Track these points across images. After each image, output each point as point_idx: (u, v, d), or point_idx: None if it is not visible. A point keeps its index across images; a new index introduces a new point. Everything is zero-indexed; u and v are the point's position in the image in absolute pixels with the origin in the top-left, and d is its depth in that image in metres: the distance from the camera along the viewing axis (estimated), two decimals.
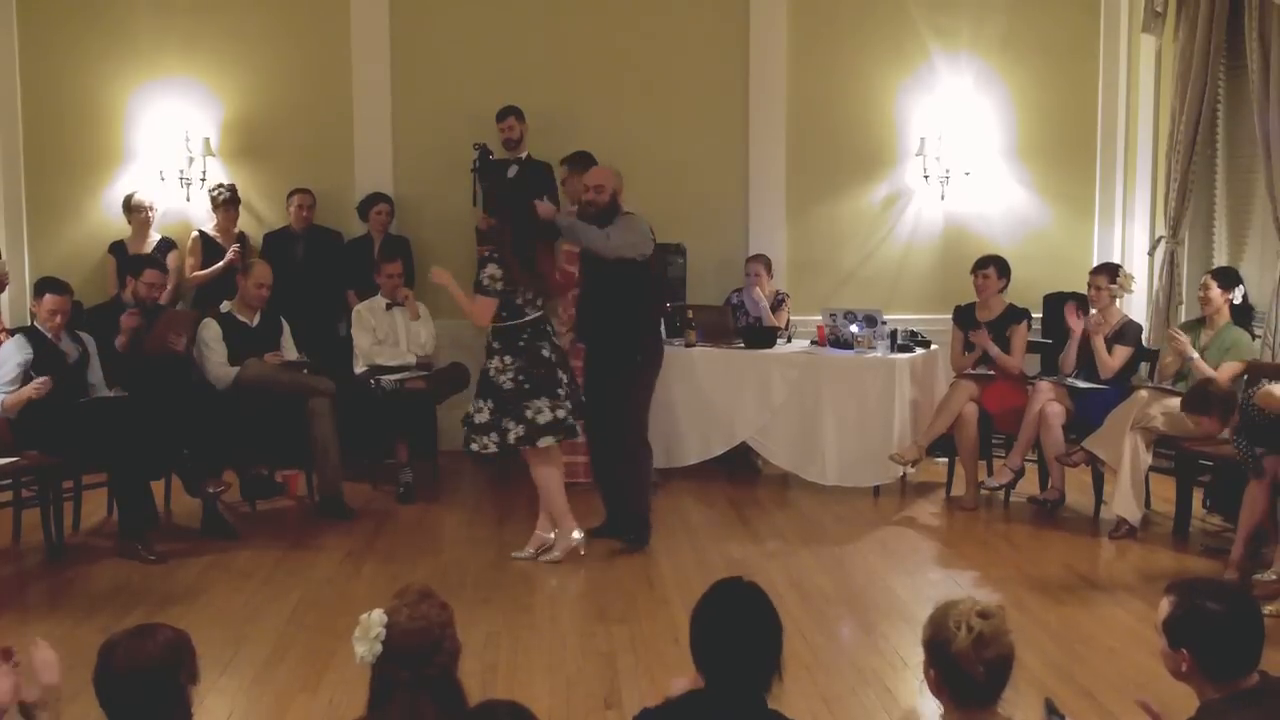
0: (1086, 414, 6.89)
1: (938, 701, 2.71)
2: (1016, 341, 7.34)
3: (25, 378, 6.21)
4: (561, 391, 6.07)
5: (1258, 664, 2.83)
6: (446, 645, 2.66)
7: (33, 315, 6.51)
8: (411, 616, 2.63)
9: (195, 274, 8.32)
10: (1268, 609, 5.21)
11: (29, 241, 8.65)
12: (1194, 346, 6.67)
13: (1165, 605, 2.89)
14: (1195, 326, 6.87)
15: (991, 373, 7.35)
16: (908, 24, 8.97)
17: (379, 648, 2.59)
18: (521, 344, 6.03)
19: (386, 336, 7.72)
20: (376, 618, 2.61)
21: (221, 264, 8.24)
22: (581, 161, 7.49)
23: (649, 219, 6.59)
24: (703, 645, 2.75)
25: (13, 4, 8.54)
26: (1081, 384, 7.02)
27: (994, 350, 7.30)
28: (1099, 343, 7.02)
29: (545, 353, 6.07)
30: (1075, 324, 7.15)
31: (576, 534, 6.16)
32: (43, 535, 6.32)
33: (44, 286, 6.48)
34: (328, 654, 4.82)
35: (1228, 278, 6.85)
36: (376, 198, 8.52)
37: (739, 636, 2.73)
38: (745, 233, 8.98)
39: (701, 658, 2.75)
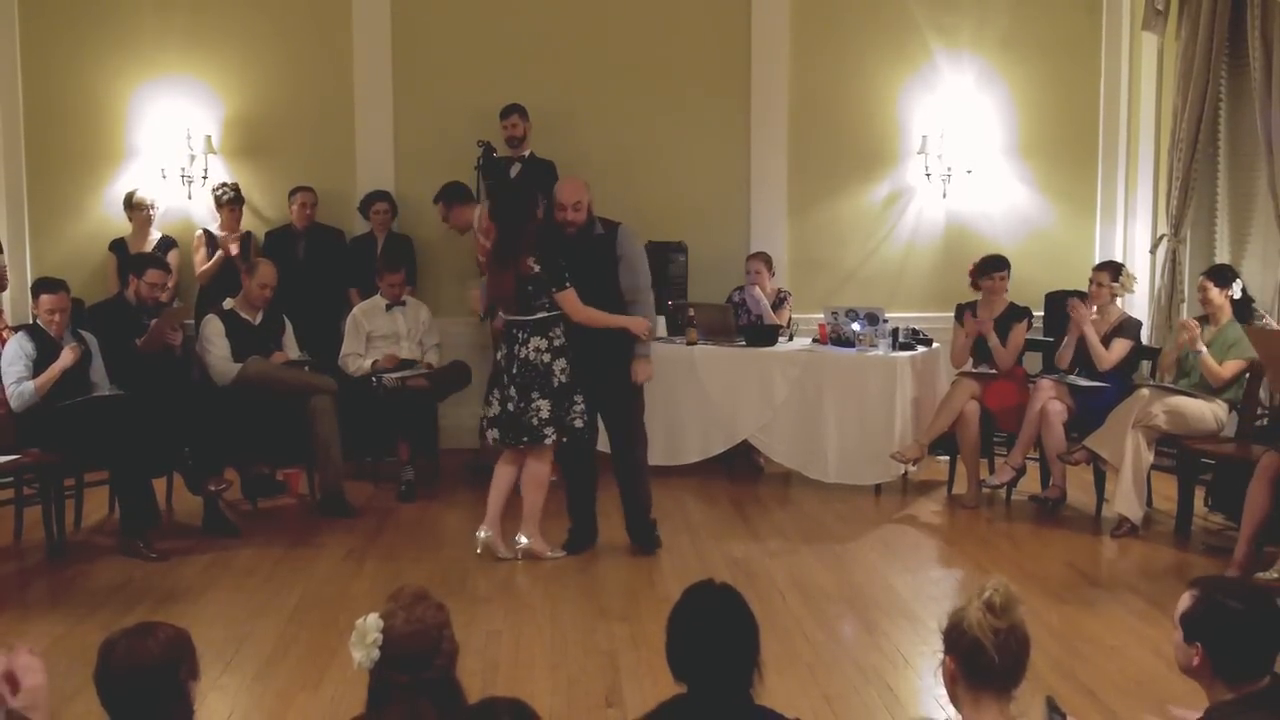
0: (1088, 412, 6.88)
1: (954, 710, 2.67)
2: (1014, 338, 7.34)
3: (32, 374, 6.24)
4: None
5: (1272, 667, 2.82)
6: (444, 647, 2.64)
7: (35, 314, 6.52)
8: (408, 620, 2.60)
9: (201, 269, 8.35)
10: None
11: (30, 239, 8.65)
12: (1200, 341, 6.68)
13: (1186, 598, 2.88)
14: (1200, 324, 6.85)
15: (993, 371, 7.35)
16: (910, 23, 8.97)
17: (376, 654, 2.56)
18: (563, 339, 6.08)
19: (386, 335, 7.72)
20: (372, 623, 2.57)
21: (219, 254, 8.28)
22: (459, 195, 7.78)
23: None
24: (682, 652, 2.74)
25: (14, 2, 8.55)
26: (1083, 382, 7.01)
27: (993, 339, 7.30)
28: (1090, 333, 7.00)
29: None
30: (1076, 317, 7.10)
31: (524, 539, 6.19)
32: (44, 533, 6.32)
33: (39, 287, 6.50)
34: (329, 652, 4.82)
35: (1223, 276, 6.84)
36: (377, 196, 8.53)
37: (717, 639, 2.71)
38: (747, 231, 8.97)
39: (682, 664, 2.74)
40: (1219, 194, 8.23)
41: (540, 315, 6.01)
